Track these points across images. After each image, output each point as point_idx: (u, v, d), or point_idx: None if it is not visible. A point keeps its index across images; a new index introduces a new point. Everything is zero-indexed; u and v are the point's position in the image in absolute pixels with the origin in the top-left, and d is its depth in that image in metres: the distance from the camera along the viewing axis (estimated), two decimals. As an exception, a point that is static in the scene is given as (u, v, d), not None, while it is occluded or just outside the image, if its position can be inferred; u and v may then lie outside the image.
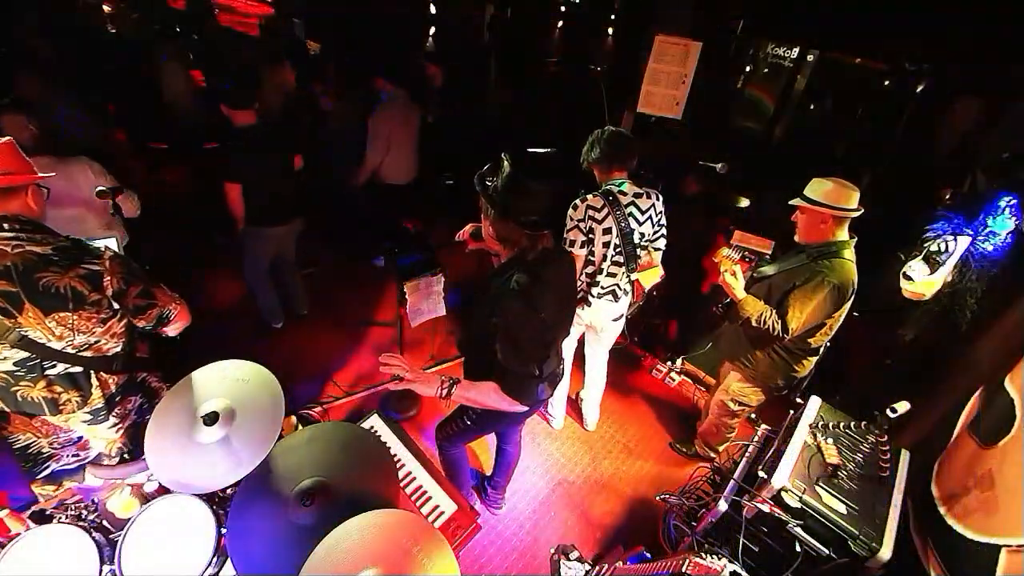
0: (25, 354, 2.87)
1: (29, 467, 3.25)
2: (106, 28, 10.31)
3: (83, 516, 2.95)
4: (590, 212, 4.69)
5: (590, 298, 5.14)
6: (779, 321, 4.29)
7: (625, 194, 4.77)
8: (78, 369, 3.06)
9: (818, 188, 4.24)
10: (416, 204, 8.11)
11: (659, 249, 5.16)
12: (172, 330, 3.41)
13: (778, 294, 4.44)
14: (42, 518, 3.01)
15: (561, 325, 3.63)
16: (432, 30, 13.62)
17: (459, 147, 9.21)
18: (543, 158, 3.01)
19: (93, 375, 3.13)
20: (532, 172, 2.97)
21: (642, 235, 4.92)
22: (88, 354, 3.03)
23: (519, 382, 3.33)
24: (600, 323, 5.39)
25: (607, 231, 4.76)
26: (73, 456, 3.31)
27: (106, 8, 10.82)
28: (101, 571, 2.61)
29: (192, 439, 2.60)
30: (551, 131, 10.23)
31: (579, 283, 5.05)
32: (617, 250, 4.86)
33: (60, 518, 2.89)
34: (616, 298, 5.16)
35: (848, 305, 4.35)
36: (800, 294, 4.22)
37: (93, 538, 2.70)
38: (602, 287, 5.06)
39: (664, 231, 5.09)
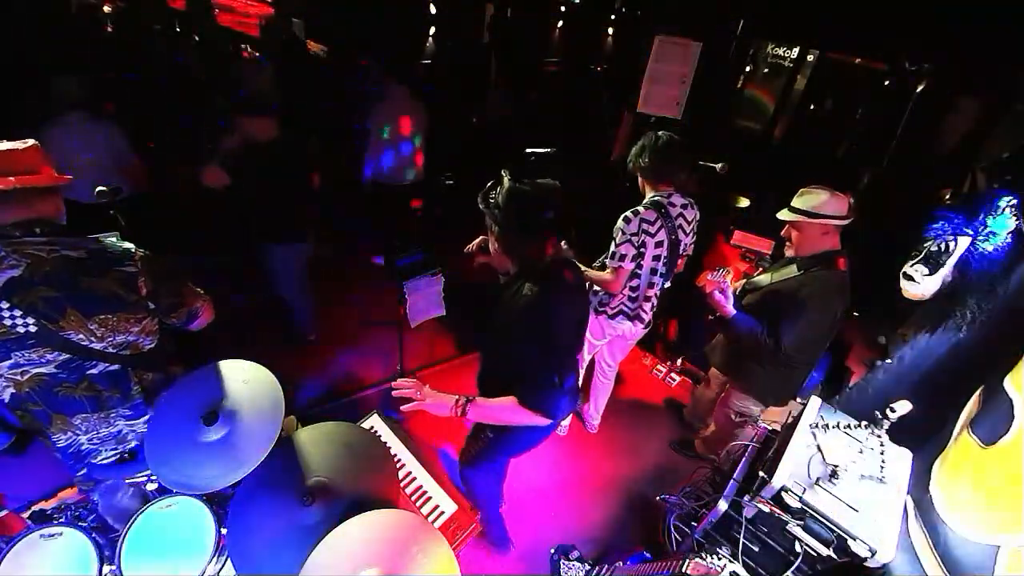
0: (67, 356, 2.88)
1: (71, 464, 3.26)
2: (104, 28, 10.31)
3: (83, 516, 2.96)
4: (644, 226, 4.66)
5: (642, 314, 5.16)
6: (771, 337, 4.31)
7: (675, 205, 4.79)
8: (117, 367, 3.07)
9: (813, 199, 4.22)
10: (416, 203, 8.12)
11: (687, 255, 5.22)
12: (198, 326, 3.43)
13: (771, 307, 4.44)
14: (42, 518, 3.02)
15: (574, 333, 3.56)
16: (432, 30, 13.61)
17: (459, 147, 9.23)
18: (542, 160, 3.01)
19: (131, 372, 3.14)
20: (533, 178, 3.01)
21: (686, 246, 5.00)
22: (127, 353, 3.05)
23: (541, 393, 3.20)
24: (634, 332, 5.41)
25: (659, 244, 4.77)
26: (112, 449, 3.30)
27: (106, 8, 10.82)
28: (101, 571, 2.61)
29: (192, 439, 2.60)
30: (551, 130, 10.25)
31: (621, 295, 5.06)
32: (664, 262, 4.89)
33: (60, 519, 2.90)
34: (653, 308, 5.21)
35: (841, 315, 4.36)
36: (792, 309, 4.24)
37: (93, 538, 2.71)
38: (645, 298, 5.08)
39: (695, 239, 5.13)
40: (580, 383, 4.09)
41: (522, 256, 3.21)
